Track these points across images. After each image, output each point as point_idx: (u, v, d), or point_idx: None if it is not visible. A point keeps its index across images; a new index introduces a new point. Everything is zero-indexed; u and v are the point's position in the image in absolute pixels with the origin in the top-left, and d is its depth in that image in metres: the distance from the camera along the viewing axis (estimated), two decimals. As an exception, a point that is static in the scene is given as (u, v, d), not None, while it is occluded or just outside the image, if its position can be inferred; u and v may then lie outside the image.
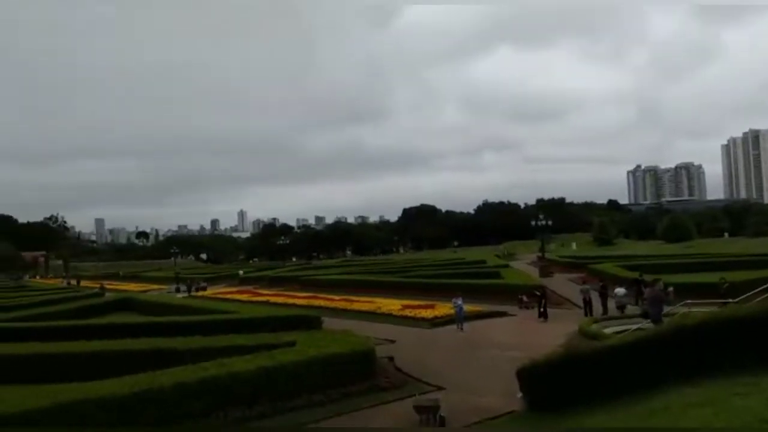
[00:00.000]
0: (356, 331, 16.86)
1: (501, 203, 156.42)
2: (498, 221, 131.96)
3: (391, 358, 15.56)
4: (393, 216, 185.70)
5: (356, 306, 28.36)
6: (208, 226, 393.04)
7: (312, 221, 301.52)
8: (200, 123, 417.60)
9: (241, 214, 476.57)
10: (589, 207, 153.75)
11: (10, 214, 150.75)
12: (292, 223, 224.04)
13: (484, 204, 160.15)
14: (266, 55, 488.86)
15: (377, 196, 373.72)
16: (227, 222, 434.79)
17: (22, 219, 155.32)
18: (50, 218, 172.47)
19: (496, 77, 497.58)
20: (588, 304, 23.44)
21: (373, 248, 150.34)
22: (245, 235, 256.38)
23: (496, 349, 17.24)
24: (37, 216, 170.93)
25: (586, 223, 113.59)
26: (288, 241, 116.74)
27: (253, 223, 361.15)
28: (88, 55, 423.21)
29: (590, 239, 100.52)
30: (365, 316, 25.83)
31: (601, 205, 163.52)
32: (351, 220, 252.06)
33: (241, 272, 63.76)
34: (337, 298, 32.04)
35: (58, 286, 60.04)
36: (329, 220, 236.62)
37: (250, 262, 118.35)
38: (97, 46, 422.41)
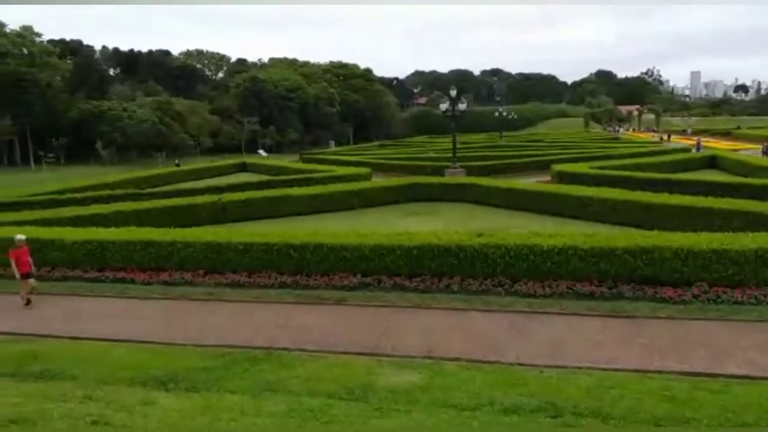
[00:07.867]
0: None
1: None
2: None
3: None
4: None
5: None
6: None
7: None
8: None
9: None
10: None
11: (610, 69, 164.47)
12: None
13: None
14: None
15: None
16: None
17: (620, 74, 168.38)
18: (646, 72, 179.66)
19: None
20: None
21: None
22: None
23: None
24: (634, 70, 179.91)
25: None
26: None
27: None
28: None
29: None
30: None
31: None
32: None
33: None
34: None
35: (648, 139, 61.71)
36: None
37: None
38: None
